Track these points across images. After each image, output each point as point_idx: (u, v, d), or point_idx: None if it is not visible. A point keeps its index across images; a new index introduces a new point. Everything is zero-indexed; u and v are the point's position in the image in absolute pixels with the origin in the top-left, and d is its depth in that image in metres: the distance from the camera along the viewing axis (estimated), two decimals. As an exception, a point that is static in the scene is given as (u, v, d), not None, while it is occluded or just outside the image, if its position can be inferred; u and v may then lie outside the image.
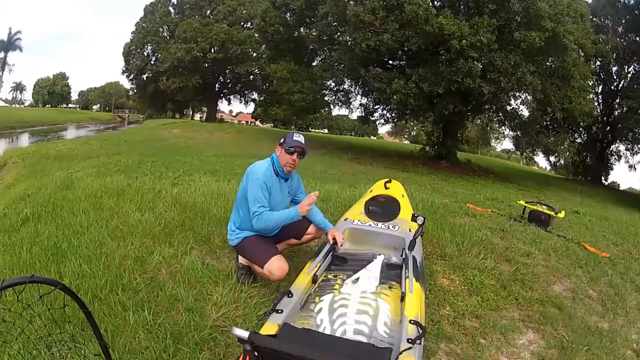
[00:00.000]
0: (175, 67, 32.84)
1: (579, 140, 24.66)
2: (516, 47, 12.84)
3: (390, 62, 16.38)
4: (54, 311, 1.81)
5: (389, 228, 2.69)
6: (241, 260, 2.68)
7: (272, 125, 54.55)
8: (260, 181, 2.43)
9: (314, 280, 2.16)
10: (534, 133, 16.86)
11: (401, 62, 16.04)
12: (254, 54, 33.79)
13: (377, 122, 23.80)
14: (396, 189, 3.24)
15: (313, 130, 61.57)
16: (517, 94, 16.14)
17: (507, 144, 73.43)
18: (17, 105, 69.00)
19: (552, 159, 27.82)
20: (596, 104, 21.57)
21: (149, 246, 3.01)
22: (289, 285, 2.09)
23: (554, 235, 4.56)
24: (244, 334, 1.42)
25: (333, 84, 18.76)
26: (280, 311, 1.80)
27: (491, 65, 12.79)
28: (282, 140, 2.51)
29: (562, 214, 5.15)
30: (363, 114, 20.58)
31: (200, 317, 2.23)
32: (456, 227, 4.01)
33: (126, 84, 55.64)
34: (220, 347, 2.04)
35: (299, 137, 2.51)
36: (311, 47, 18.66)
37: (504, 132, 39.79)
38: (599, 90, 22.60)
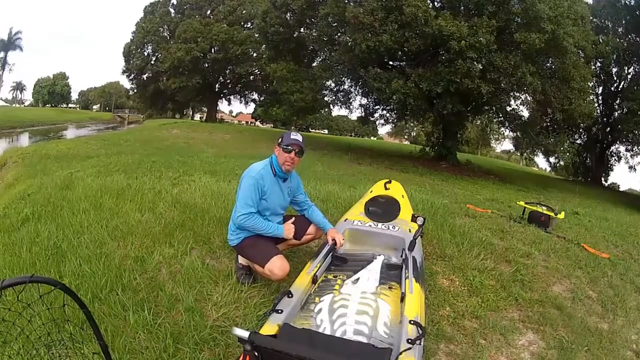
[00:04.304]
0: (176, 67, 32.82)
1: (579, 141, 24.70)
2: (516, 48, 12.86)
3: (390, 62, 16.40)
4: (53, 311, 1.81)
5: (389, 228, 2.68)
6: (241, 260, 2.68)
7: (272, 125, 54.56)
8: (254, 180, 2.44)
9: (314, 280, 2.16)
10: (533, 134, 16.85)
11: (401, 63, 16.05)
12: (254, 54, 33.78)
13: (377, 123, 23.83)
14: (396, 190, 3.24)
15: (313, 130, 61.57)
16: (517, 94, 16.16)
17: (507, 145, 73.46)
18: (17, 105, 69.05)
19: (552, 160, 27.88)
20: (596, 105, 21.60)
21: (149, 246, 3.01)
22: (289, 285, 2.09)
23: (553, 236, 4.56)
24: (244, 334, 1.42)
25: (333, 84, 18.77)
26: (280, 311, 1.80)
27: (491, 65, 12.81)
28: (279, 140, 2.52)
29: (561, 215, 5.15)
30: (363, 114, 20.58)
31: (200, 317, 2.23)
32: (456, 228, 4.01)
33: (126, 84, 55.85)
34: (221, 347, 2.04)
35: (295, 135, 2.53)
36: (311, 47, 18.67)
37: (503, 133, 39.86)
38: (599, 92, 22.63)
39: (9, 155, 10.85)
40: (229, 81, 38.37)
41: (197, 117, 56.92)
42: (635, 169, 24.90)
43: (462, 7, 13.96)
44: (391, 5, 12.92)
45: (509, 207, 6.38)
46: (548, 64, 14.91)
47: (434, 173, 14.07)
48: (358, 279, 2.21)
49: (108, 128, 36.84)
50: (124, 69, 37.70)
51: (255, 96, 39.33)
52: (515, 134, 19.96)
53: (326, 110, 25.92)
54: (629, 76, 21.55)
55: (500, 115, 17.77)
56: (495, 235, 4.13)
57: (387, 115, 19.90)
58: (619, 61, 20.81)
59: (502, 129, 22.84)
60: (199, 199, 4.17)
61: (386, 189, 3.25)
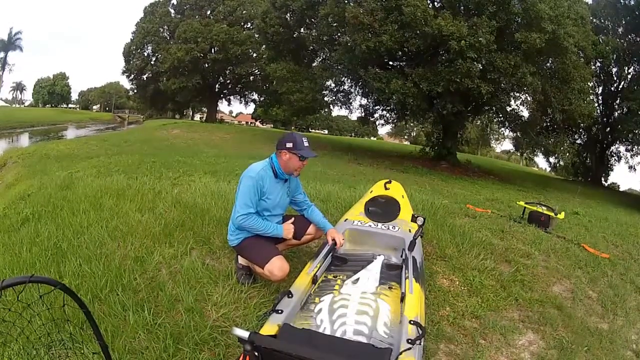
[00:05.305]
0: (176, 68, 32.84)
1: (579, 141, 24.72)
2: (516, 49, 12.87)
3: (390, 62, 16.41)
4: (53, 311, 1.82)
5: (388, 229, 2.68)
6: (241, 260, 2.68)
7: (272, 126, 54.60)
8: (253, 180, 2.43)
9: (314, 280, 2.16)
10: (533, 134, 16.87)
11: (401, 63, 16.07)
12: (254, 55, 33.83)
13: (377, 123, 23.82)
14: (396, 190, 3.24)
15: (313, 130, 61.62)
16: (517, 94, 16.18)
17: (507, 145, 73.48)
18: (17, 105, 69.10)
19: (552, 160, 27.94)
20: (596, 105, 21.62)
21: (149, 246, 3.01)
22: (289, 285, 2.09)
23: (553, 236, 4.56)
24: (244, 334, 1.42)
25: (333, 85, 18.79)
26: (280, 311, 1.80)
27: (491, 65, 12.82)
28: (290, 145, 2.45)
29: (561, 215, 5.15)
30: (363, 114, 20.60)
31: (200, 318, 2.23)
32: (456, 228, 4.01)
33: (126, 84, 55.81)
34: (221, 348, 2.04)
35: (307, 143, 2.50)
36: (311, 47, 18.68)
37: (503, 133, 39.95)
38: (599, 92, 22.64)
39: (9, 156, 10.86)
40: (229, 81, 38.39)
41: (197, 117, 56.95)
42: (635, 169, 24.96)
43: (462, 7, 13.97)
44: (391, 5, 12.93)
45: (509, 207, 6.38)
46: (548, 64, 14.92)
47: (434, 173, 14.08)
48: (358, 279, 2.21)
49: (108, 128, 36.84)
50: (124, 69, 37.73)
51: (255, 96, 39.37)
52: (515, 134, 19.98)
53: (326, 110, 25.93)
54: (629, 76, 21.57)
55: (500, 115, 17.79)
56: (495, 235, 4.13)
57: (387, 115, 19.92)
58: (619, 61, 20.82)
59: (502, 129, 22.89)
60: (199, 199, 4.17)
61: (386, 189, 3.24)
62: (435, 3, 14.74)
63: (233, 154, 12.48)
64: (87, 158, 8.40)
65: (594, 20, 20.48)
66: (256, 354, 1.46)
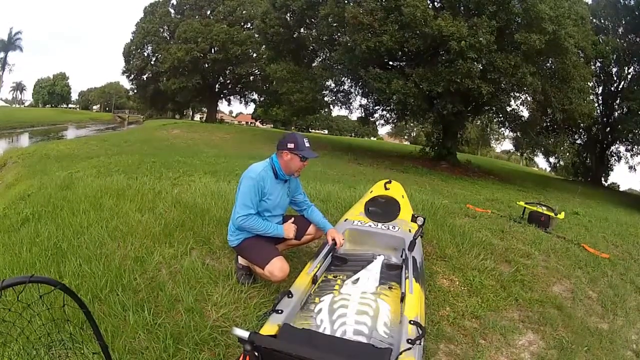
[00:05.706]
0: (176, 68, 32.83)
1: (579, 141, 24.73)
2: (516, 49, 12.87)
3: (390, 62, 16.41)
4: (53, 311, 1.82)
5: (388, 229, 2.68)
6: (241, 260, 2.68)
7: (272, 126, 54.62)
8: (254, 181, 2.43)
9: (314, 280, 2.16)
10: (533, 134, 16.88)
11: (401, 63, 16.07)
12: (254, 55, 33.83)
13: (377, 123, 23.81)
14: (396, 190, 3.24)
15: (313, 131, 61.62)
16: (517, 94, 16.18)
17: (507, 145, 73.48)
18: (17, 105, 69.10)
19: (552, 160, 27.94)
20: (596, 105, 21.62)
21: (149, 246, 3.01)
22: (289, 285, 2.09)
23: (553, 236, 4.56)
24: (244, 334, 1.42)
25: (333, 85, 18.79)
26: (280, 311, 1.80)
27: (491, 65, 12.82)
28: (291, 146, 2.45)
29: (561, 215, 5.15)
30: (363, 114, 20.59)
31: (200, 318, 2.23)
32: (456, 228, 4.01)
33: (126, 84, 55.83)
34: (221, 348, 2.04)
35: (308, 143, 2.51)
36: (311, 47, 18.68)
37: (503, 133, 39.97)
38: (599, 92, 22.65)
39: (9, 156, 10.86)
40: (229, 81, 38.38)
41: (197, 117, 56.97)
42: (635, 169, 24.96)
43: (462, 7, 13.97)
44: (390, 6, 12.93)
45: (509, 207, 6.38)
46: (548, 64, 14.92)
47: (434, 173, 14.08)
48: (358, 279, 2.21)
49: (108, 128, 36.83)
50: (124, 69, 37.72)
51: (255, 96, 39.36)
52: (515, 134, 19.99)
53: (326, 110, 25.93)
54: (629, 76, 21.58)
55: (500, 116, 17.79)
56: (495, 235, 4.13)
57: (387, 115, 19.93)
58: (619, 61, 20.82)
59: (502, 129, 22.88)
60: (199, 199, 4.17)
61: (386, 189, 3.24)
62: (435, 3, 14.74)
63: (233, 154, 12.48)
64: (87, 158, 8.39)
65: (594, 20, 20.48)
66: (256, 354, 1.46)
